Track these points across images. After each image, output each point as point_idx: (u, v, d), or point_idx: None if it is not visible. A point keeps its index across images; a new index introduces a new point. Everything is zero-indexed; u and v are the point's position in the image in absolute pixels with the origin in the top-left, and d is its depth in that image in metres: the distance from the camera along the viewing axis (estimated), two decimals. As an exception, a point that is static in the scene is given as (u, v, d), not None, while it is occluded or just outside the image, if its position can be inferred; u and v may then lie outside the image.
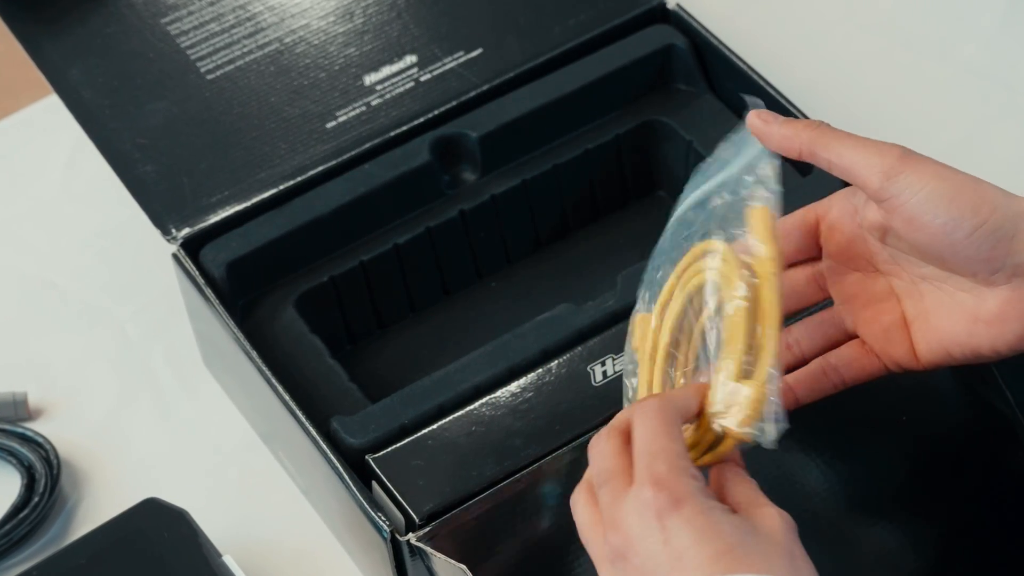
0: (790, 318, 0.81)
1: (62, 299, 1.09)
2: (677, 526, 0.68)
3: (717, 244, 0.77)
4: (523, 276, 1.02)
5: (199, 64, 1.03)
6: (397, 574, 0.86)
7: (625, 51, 1.02)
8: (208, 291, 0.94)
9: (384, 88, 1.02)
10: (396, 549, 0.85)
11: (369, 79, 1.02)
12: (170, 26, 1.05)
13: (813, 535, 0.72)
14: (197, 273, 0.95)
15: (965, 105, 1.13)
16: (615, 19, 1.04)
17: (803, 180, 0.95)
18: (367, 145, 0.99)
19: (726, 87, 1.02)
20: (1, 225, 1.14)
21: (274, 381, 0.90)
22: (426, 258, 0.99)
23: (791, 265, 0.82)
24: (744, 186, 0.77)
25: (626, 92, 1.03)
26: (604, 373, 0.88)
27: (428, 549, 0.83)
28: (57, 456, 1.00)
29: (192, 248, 0.96)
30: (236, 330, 0.92)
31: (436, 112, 1.01)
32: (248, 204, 0.98)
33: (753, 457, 0.75)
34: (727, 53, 1.01)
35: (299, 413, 0.88)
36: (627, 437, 0.73)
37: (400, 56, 1.03)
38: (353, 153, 0.99)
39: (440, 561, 0.83)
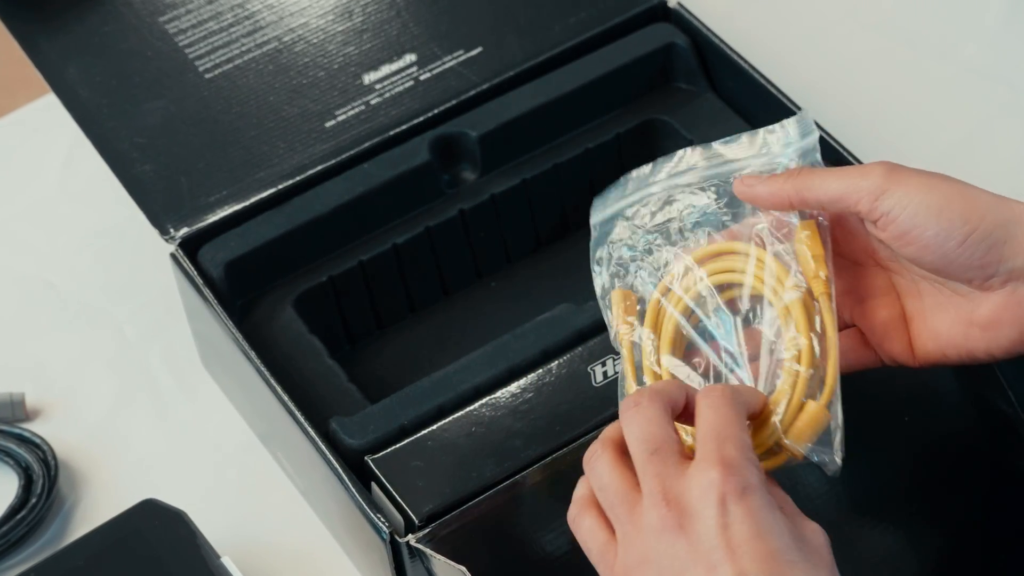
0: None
1: (59, 299, 1.09)
2: (740, 515, 0.68)
3: (760, 252, 0.78)
4: (523, 276, 1.02)
5: (197, 63, 1.03)
6: (396, 575, 0.86)
7: (626, 50, 1.02)
8: (206, 291, 0.94)
9: (383, 87, 1.02)
10: (395, 550, 0.84)
11: (368, 78, 1.02)
12: (168, 24, 1.04)
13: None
14: (195, 273, 0.95)
15: (966, 104, 1.13)
16: (615, 17, 1.04)
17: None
18: (366, 144, 0.99)
19: (727, 86, 1.02)
20: (-2, 225, 1.14)
21: (273, 381, 0.90)
22: (425, 258, 0.99)
23: None
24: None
25: (627, 91, 1.02)
26: (604, 373, 0.88)
27: (427, 550, 0.83)
28: (55, 457, 0.99)
29: (190, 248, 0.96)
30: (234, 330, 0.92)
31: (436, 111, 1.00)
32: (247, 204, 0.97)
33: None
34: (728, 52, 1.01)
35: (298, 414, 0.88)
36: (622, 449, 0.73)
37: (399, 55, 1.03)
38: (352, 152, 0.99)
39: (439, 562, 0.82)
